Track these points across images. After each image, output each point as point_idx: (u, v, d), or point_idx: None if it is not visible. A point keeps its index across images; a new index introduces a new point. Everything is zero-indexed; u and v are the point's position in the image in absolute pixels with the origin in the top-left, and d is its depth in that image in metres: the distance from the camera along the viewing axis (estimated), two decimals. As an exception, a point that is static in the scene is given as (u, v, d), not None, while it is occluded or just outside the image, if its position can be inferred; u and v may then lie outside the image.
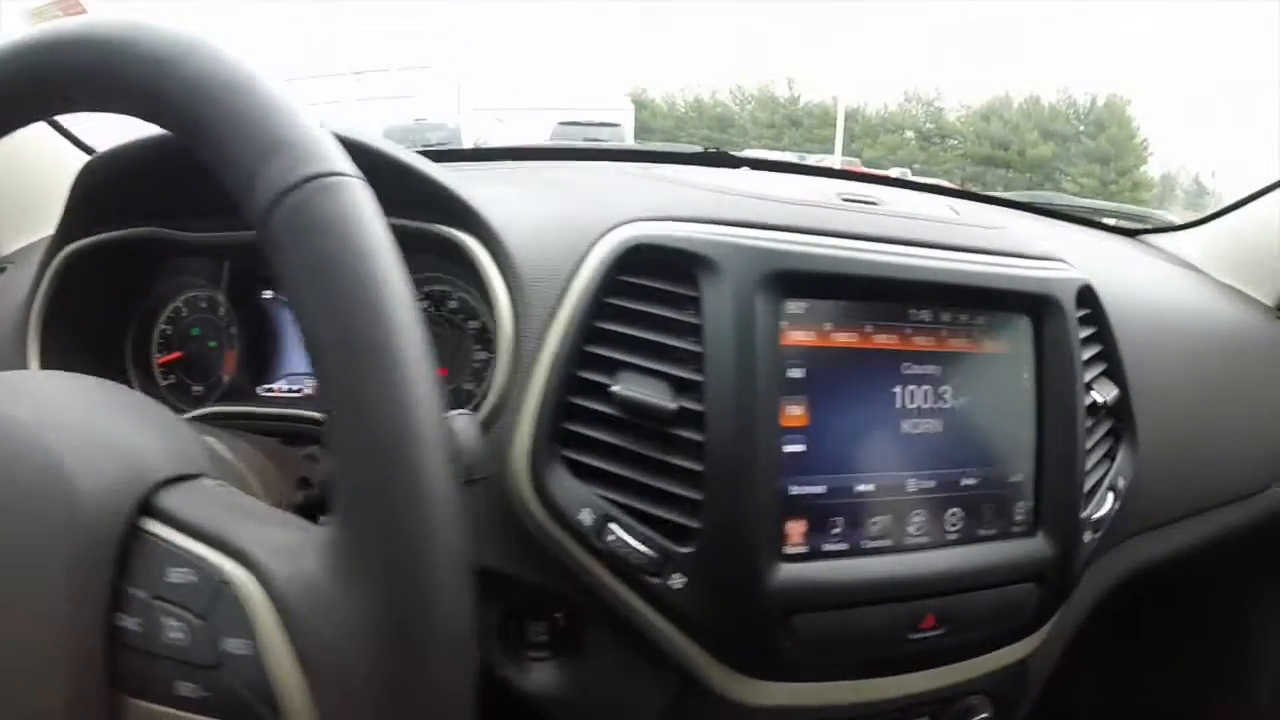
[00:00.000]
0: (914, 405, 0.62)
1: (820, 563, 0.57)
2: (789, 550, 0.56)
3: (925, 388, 0.62)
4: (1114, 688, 1.16)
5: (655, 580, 0.53)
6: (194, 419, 0.60)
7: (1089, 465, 0.68)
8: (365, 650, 0.27)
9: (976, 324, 0.64)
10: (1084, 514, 0.67)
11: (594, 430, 0.54)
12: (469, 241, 0.58)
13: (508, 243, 0.57)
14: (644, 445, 0.54)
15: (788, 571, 0.55)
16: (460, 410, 0.41)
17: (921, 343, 0.62)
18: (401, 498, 0.27)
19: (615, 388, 0.53)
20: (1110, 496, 0.70)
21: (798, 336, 0.58)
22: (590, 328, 0.55)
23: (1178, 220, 1.13)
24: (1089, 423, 0.68)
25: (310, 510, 0.51)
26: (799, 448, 0.56)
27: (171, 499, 0.31)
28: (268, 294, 0.68)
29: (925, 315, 0.63)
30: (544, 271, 0.56)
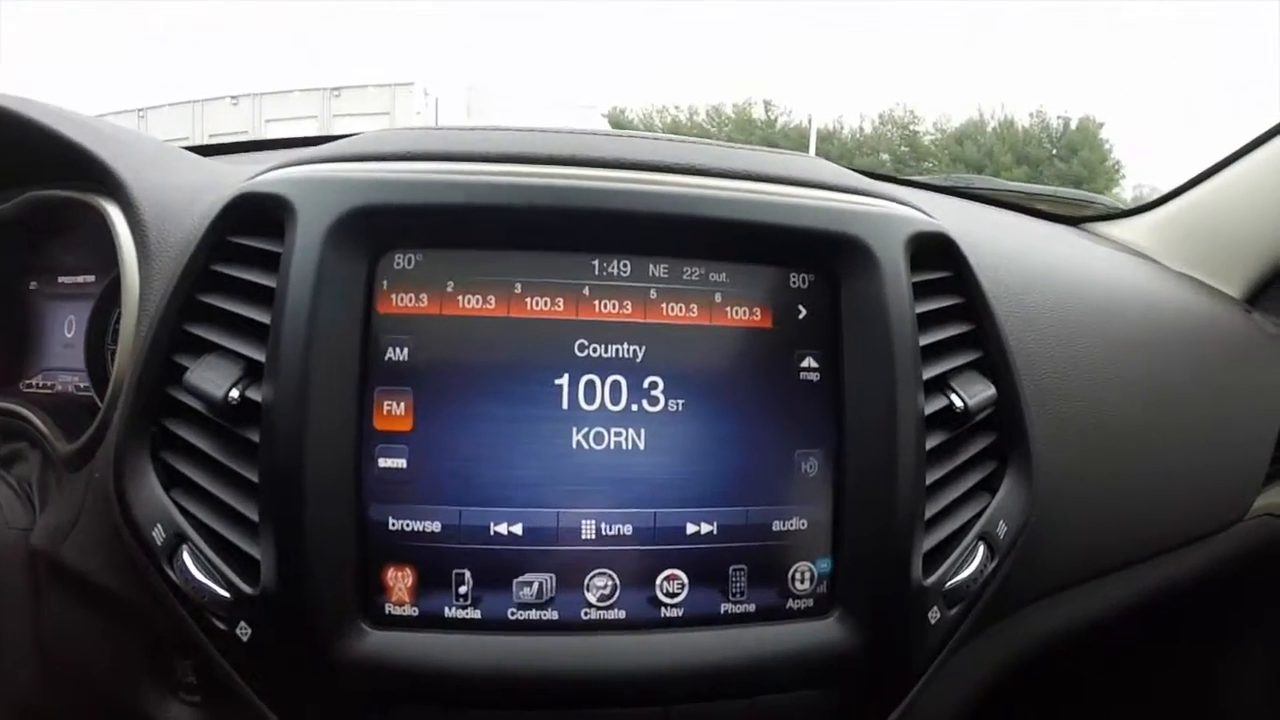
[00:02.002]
0: (593, 406, 0.40)
1: (435, 634, 0.40)
2: (391, 610, 0.41)
3: (615, 379, 0.41)
4: None
5: (223, 627, 0.41)
6: None
7: (942, 504, 0.46)
8: None
9: (714, 282, 0.42)
10: (929, 579, 0.44)
11: (181, 427, 0.43)
12: (109, 208, 0.50)
13: (142, 207, 0.49)
14: (214, 446, 0.42)
15: (381, 641, 0.40)
16: None
17: (610, 310, 0.41)
18: None
19: (188, 374, 0.42)
20: (982, 550, 0.47)
21: (404, 302, 0.40)
22: (193, 302, 0.44)
23: (1124, 207, 0.96)
24: (940, 438, 0.46)
25: None
26: (398, 462, 0.40)
27: None
28: (33, 284, 0.62)
29: (620, 268, 0.41)
30: (175, 240, 0.47)
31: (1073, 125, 22.30)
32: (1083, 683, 0.91)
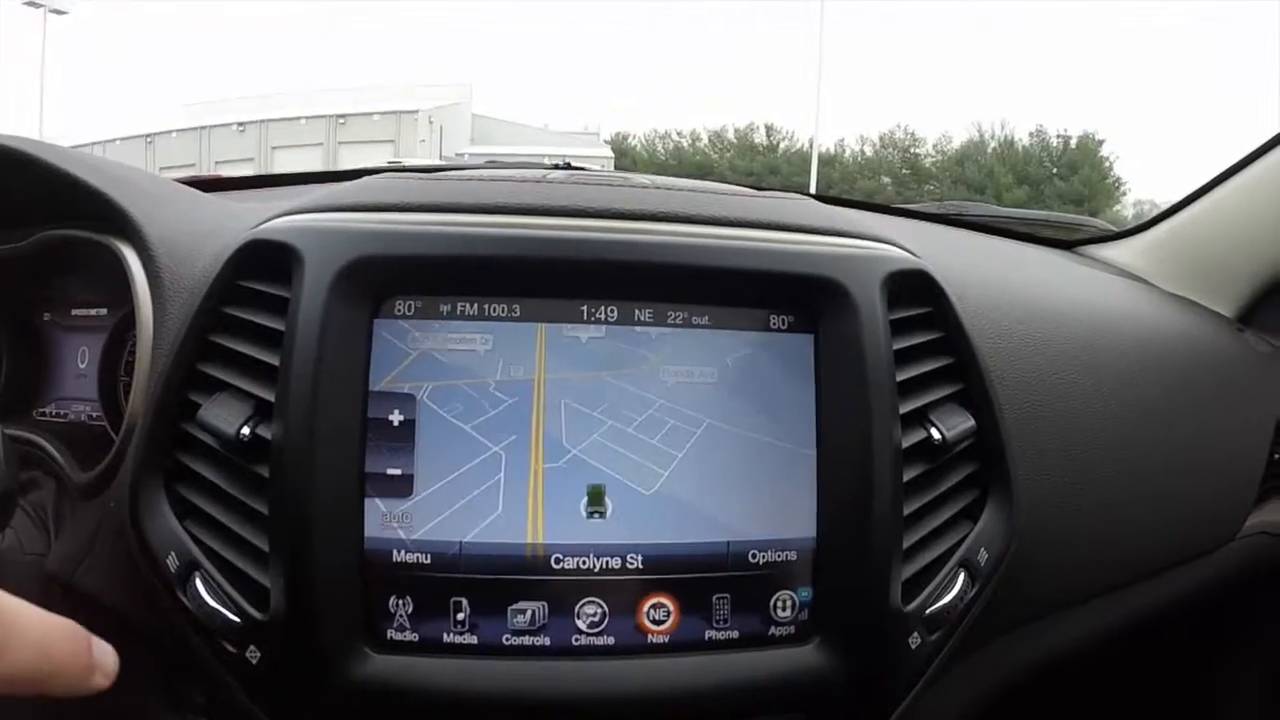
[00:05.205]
0: (582, 443, 0.42)
1: (435, 659, 0.42)
2: (393, 636, 0.43)
3: (599, 416, 0.43)
4: None
5: (233, 650, 0.43)
6: None
7: (922, 532, 0.47)
8: None
9: (697, 324, 0.45)
10: (909, 605, 0.46)
11: (194, 461, 0.45)
12: (123, 249, 0.52)
13: (156, 249, 0.50)
14: (226, 479, 0.44)
15: (383, 665, 0.42)
16: None
17: None
18: None
19: (201, 410, 0.44)
20: (963, 576, 0.48)
21: None
22: (205, 343, 0.46)
23: (1118, 228, 0.97)
24: (920, 469, 0.47)
25: None
26: (400, 497, 0.43)
27: None
28: (47, 316, 0.64)
29: (607, 313, 0.44)
30: (188, 281, 0.48)
31: (1073, 143, 22.42)
32: (1072, 702, 0.91)
